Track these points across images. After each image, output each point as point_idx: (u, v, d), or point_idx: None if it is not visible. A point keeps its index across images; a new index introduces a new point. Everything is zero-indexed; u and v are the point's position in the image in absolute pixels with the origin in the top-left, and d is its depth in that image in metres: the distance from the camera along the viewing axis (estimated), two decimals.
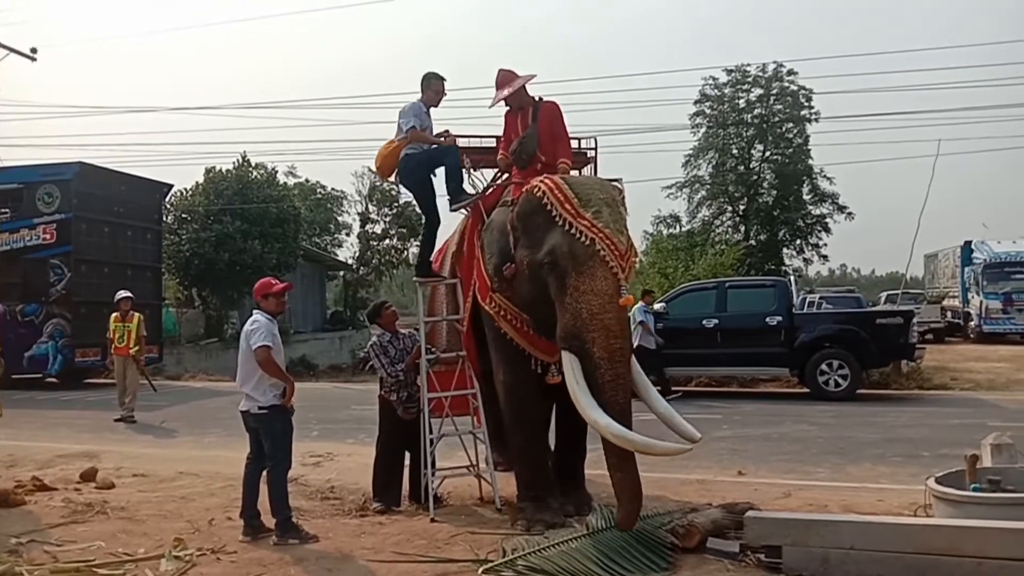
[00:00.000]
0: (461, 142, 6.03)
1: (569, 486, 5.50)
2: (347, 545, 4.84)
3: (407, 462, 5.90)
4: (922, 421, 9.38)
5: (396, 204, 30.25)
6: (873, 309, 16.66)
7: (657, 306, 12.26)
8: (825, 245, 32.81)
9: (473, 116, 8.60)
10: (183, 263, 22.16)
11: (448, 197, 5.75)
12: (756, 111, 32.34)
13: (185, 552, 4.61)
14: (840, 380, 11.36)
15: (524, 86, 5.63)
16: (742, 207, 32.79)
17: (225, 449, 7.81)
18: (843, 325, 12.03)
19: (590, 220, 4.50)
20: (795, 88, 31.38)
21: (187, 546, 4.71)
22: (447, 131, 5.92)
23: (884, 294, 26.01)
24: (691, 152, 32.70)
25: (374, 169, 6.32)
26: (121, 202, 16.56)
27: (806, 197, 32.49)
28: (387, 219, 31.75)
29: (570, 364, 4.49)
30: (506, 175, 5.85)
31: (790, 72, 31.02)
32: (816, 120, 31.25)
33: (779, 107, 32.16)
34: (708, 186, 32.89)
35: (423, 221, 6.22)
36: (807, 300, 16.21)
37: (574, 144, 6.18)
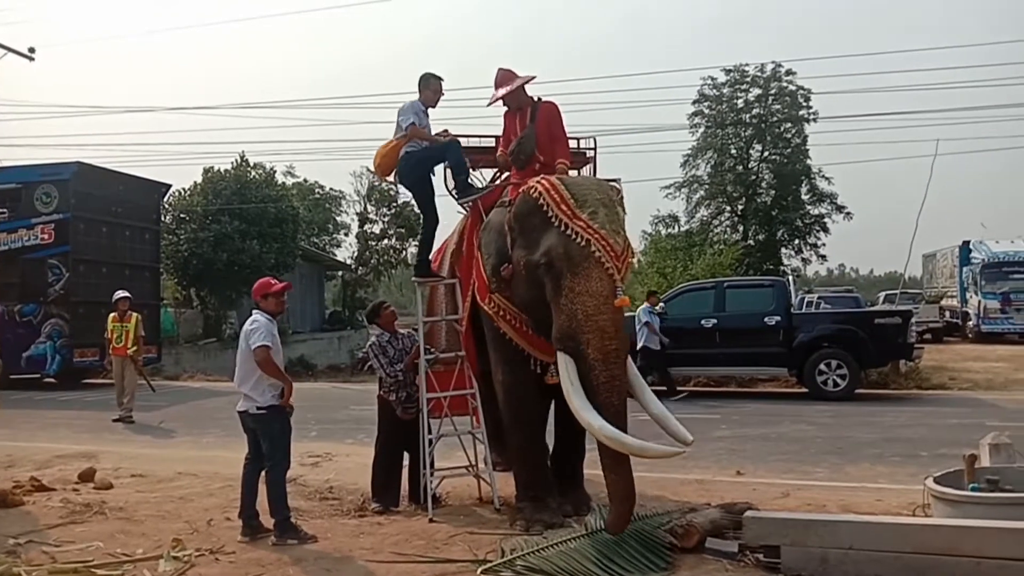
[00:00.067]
0: (460, 142, 6.03)
1: (568, 486, 5.50)
2: (346, 545, 4.84)
3: (406, 462, 5.90)
4: (920, 421, 9.39)
5: (395, 204, 30.26)
6: (871, 309, 16.68)
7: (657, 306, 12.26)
8: (823, 245, 32.94)
9: (472, 116, 8.61)
10: (181, 263, 22.14)
11: (456, 191, 5.75)
12: (754, 111, 32.39)
13: (184, 552, 4.61)
14: (838, 380, 11.37)
15: (523, 87, 5.64)
16: (740, 207, 32.83)
17: (223, 449, 7.81)
18: (841, 325, 12.04)
19: (586, 221, 4.49)
20: (793, 88, 31.46)
21: (185, 546, 4.71)
22: (446, 130, 5.92)
23: (882, 294, 26.02)
24: (689, 152, 32.78)
25: (373, 168, 6.31)
26: (119, 202, 16.55)
27: (804, 197, 32.52)
28: (386, 219, 31.76)
29: (565, 365, 4.48)
30: (506, 175, 5.86)
31: (788, 72, 31.14)
32: (814, 120, 31.36)
33: (777, 107, 32.20)
34: (706, 186, 32.92)
35: (422, 220, 6.21)
36: (805, 300, 16.21)
37: (573, 144, 6.17)
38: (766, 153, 32.55)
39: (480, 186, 5.84)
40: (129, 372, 10.56)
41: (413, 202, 7.03)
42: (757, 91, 32.04)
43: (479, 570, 4.22)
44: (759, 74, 31.59)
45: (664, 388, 11.52)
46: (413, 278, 6.46)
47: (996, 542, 3.68)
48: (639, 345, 11.45)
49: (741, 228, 32.46)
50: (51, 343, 15.11)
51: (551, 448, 5.66)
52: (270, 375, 4.94)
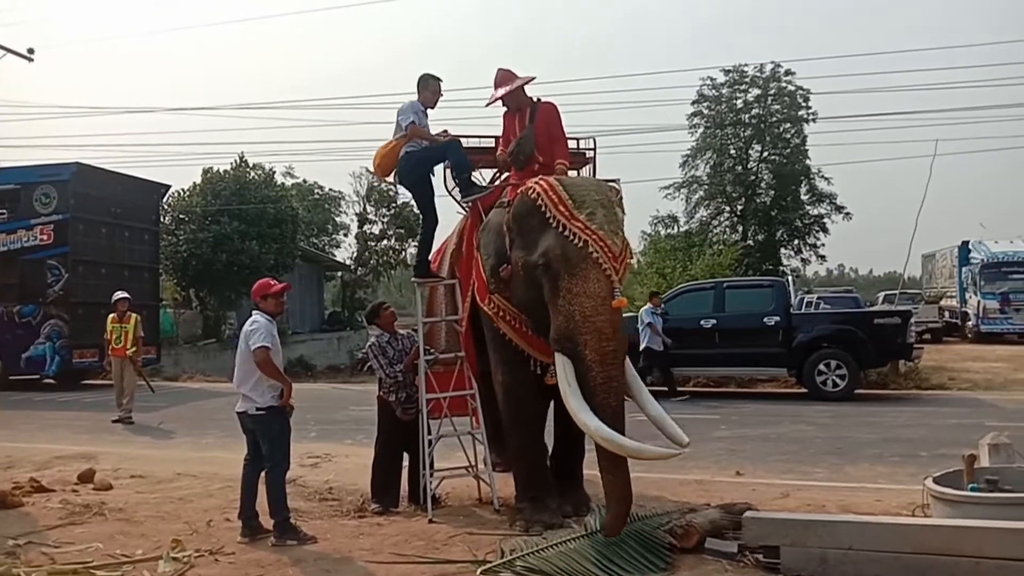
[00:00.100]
0: (461, 142, 6.02)
1: (567, 486, 5.50)
2: (345, 546, 4.84)
3: (405, 463, 5.89)
4: (920, 421, 9.39)
5: (394, 204, 30.29)
6: (871, 309, 16.67)
7: None
8: (823, 245, 32.93)
9: (472, 116, 8.58)
10: (180, 264, 22.14)
11: (459, 190, 5.75)
12: (754, 111, 32.37)
13: (183, 553, 4.60)
14: (838, 380, 11.37)
15: (523, 87, 5.64)
16: (740, 207, 32.83)
17: (223, 450, 7.81)
18: (841, 325, 12.04)
19: (583, 222, 4.49)
20: (793, 88, 31.48)
21: (185, 547, 4.71)
22: (445, 131, 5.91)
23: (882, 294, 26.03)
24: (689, 152, 32.79)
25: (372, 169, 6.30)
26: (118, 203, 16.53)
27: (804, 197, 32.53)
28: (385, 219, 31.79)
29: (563, 366, 4.48)
30: (506, 175, 5.86)
31: (788, 72, 31.16)
32: (814, 120, 31.37)
33: (777, 107, 32.20)
34: (706, 186, 32.92)
35: (421, 221, 6.21)
36: (805, 300, 16.21)
37: (573, 144, 6.17)
38: (765, 153, 32.56)
39: (481, 186, 5.84)
40: (128, 373, 10.56)
41: (412, 202, 7.03)
42: (756, 91, 32.05)
43: (479, 571, 4.22)
44: (758, 74, 31.63)
45: (665, 389, 11.52)
46: (412, 279, 6.45)
47: (996, 542, 3.68)
48: (642, 346, 11.45)
49: (740, 228, 32.46)
50: (50, 344, 15.10)
51: (550, 449, 5.66)
52: (269, 376, 4.94)
